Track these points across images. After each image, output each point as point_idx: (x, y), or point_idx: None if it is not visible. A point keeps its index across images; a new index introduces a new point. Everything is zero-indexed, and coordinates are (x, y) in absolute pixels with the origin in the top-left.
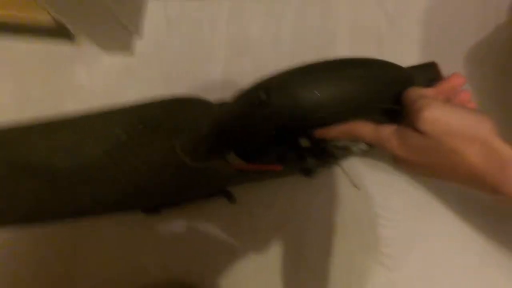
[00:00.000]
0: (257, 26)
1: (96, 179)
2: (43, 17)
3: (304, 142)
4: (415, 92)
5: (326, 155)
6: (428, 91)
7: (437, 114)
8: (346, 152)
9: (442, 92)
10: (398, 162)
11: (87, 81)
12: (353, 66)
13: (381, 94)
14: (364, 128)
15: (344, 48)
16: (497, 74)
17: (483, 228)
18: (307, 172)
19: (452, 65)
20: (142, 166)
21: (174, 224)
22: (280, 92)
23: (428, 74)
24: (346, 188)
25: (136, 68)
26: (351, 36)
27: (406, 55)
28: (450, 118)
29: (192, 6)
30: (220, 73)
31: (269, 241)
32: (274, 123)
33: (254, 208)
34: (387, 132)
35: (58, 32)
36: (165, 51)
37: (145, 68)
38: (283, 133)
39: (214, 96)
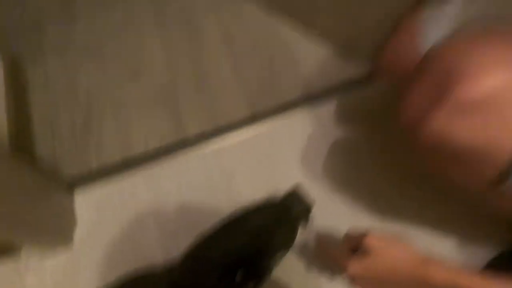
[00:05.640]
0: (174, 193)
1: None
2: None
3: (239, 277)
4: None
5: (262, 274)
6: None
7: (377, 238)
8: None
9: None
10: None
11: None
12: (242, 221)
13: (272, 233)
14: (342, 258)
15: None
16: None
17: None
18: None
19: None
20: None
21: None
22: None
23: (296, 195)
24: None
25: (79, 259)
26: None
27: None
28: (383, 239)
29: (115, 187)
30: (157, 239)
31: None
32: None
33: None
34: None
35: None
36: (103, 235)
37: (88, 256)
38: (221, 276)
39: (159, 260)
